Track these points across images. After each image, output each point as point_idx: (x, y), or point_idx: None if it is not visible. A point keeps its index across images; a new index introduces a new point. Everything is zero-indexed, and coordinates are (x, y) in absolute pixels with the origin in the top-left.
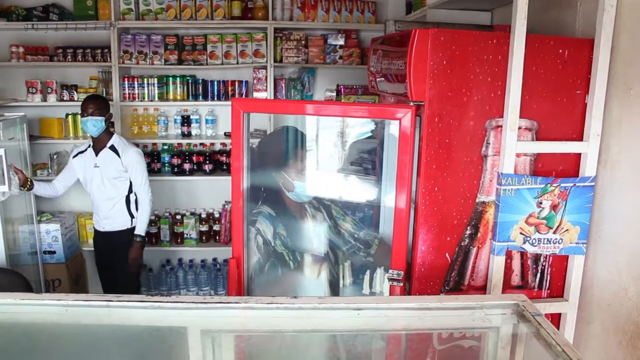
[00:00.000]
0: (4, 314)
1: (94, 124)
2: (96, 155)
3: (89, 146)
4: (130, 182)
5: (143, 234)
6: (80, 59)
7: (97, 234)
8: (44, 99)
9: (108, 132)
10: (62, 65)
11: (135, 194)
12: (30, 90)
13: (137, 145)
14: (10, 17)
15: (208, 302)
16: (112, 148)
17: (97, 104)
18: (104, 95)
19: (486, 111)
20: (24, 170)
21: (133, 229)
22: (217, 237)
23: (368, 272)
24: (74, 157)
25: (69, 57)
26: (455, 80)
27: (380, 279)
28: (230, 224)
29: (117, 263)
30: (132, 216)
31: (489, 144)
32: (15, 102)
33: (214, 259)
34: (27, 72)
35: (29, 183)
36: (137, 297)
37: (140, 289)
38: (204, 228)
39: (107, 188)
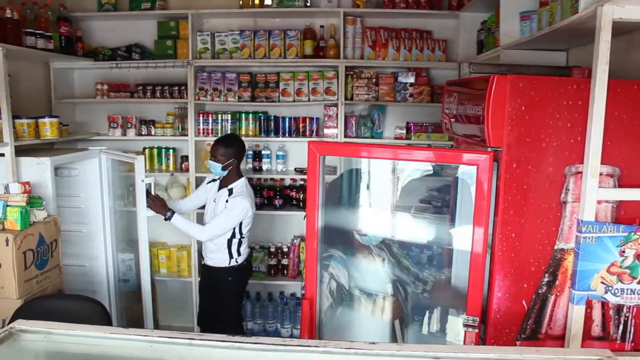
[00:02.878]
0: (94, 346)
1: (213, 168)
2: (218, 190)
3: (219, 179)
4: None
5: (170, 215)
6: (158, 96)
7: (203, 266)
8: (124, 134)
9: (235, 174)
10: (141, 102)
11: (239, 239)
12: (112, 125)
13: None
14: (97, 57)
15: (287, 345)
16: (230, 190)
17: (218, 149)
18: (180, 130)
19: (565, 157)
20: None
21: (232, 267)
22: (285, 271)
23: (427, 312)
24: (208, 182)
25: (148, 93)
26: (534, 126)
27: (437, 319)
28: (298, 259)
29: (216, 297)
30: (231, 256)
31: (569, 190)
32: (98, 136)
33: (281, 293)
34: (109, 108)
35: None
36: (219, 336)
37: (241, 323)
38: (273, 262)
39: None
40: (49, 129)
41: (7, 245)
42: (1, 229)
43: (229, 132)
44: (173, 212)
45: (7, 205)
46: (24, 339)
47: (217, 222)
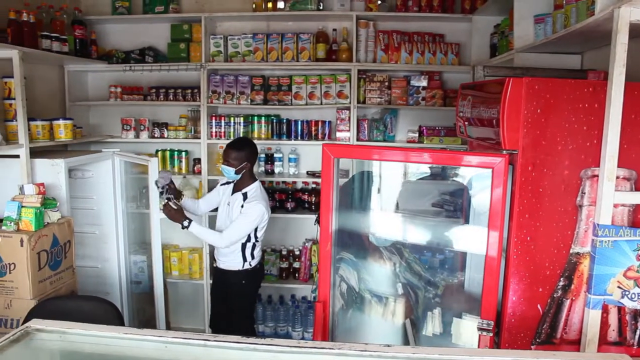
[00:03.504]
0: (109, 346)
1: (226, 172)
2: (232, 194)
3: (233, 182)
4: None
5: (187, 224)
6: (171, 98)
7: (215, 269)
8: (137, 136)
9: (249, 178)
10: (154, 104)
11: (254, 243)
12: (125, 128)
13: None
14: (111, 60)
15: (302, 347)
16: (245, 195)
17: (230, 153)
18: (192, 132)
19: (581, 160)
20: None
21: (245, 271)
22: (297, 275)
23: (429, 314)
24: (222, 185)
25: (161, 96)
26: (550, 129)
27: (439, 320)
28: (310, 262)
29: (229, 301)
30: (244, 259)
31: (585, 193)
32: (111, 138)
33: (292, 296)
34: (123, 110)
35: (182, 195)
36: (233, 337)
37: (253, 326)
38: (284, 265)
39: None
40: (63, 131)
41: (21, 245)
42: (16, 230)
43: (241, 135)
44: (190, 221)
45: (22, 206)
46: (39, 338)
47: (234, 228)
